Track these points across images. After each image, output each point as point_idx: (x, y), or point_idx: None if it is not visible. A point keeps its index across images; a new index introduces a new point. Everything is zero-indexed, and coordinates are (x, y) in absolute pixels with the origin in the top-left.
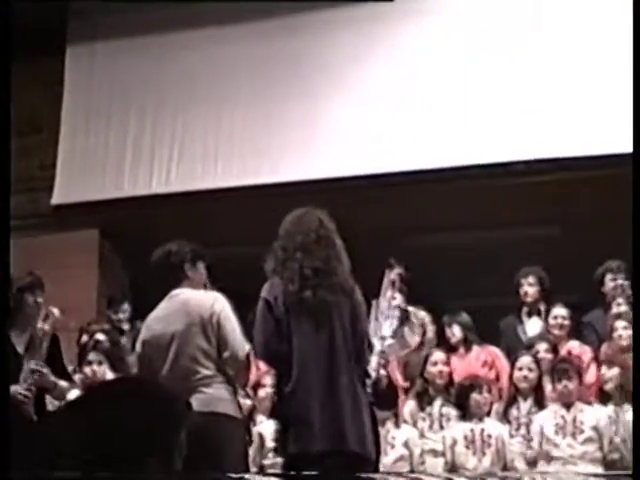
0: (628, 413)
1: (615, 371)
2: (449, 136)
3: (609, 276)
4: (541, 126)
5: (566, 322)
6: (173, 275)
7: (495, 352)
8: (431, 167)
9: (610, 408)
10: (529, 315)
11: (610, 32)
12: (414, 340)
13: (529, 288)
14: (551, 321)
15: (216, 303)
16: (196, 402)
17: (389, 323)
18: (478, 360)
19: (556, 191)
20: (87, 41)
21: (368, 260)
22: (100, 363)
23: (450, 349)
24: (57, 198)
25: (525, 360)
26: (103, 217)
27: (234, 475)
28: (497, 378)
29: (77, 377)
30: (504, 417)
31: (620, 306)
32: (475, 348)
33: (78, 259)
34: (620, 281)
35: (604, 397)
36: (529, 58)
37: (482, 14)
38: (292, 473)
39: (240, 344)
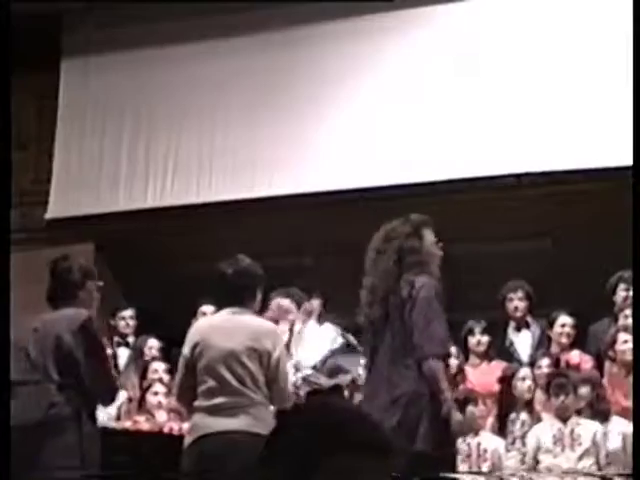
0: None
1: (584, 390)
2: (441, 149)
3: (622, 286)
4: (530, 140)
5: (572, 331)
6: (244, 294)
7: (508, 368)
8: (425, 180)
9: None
10: (518, 330)
11: (606, 43)
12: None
13: (519, 303)
14: (557, 329)
15: (278, 339)
16: (242, 421)
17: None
18: (493, 374)
19: (548, 204)
20: (82, 56)
21: (361, 272)
22: None
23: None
24: (51, 212)
25: (526, 371)
26: (98, 231)
27: None
28: (500, 392)
29: None
30: (500, 431)
31: (627, 318)
32: (494, 362)
33: None
34: (632, 292)
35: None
36: (521, 72)
37: (478, 27)
38: None
39: (288, 382)
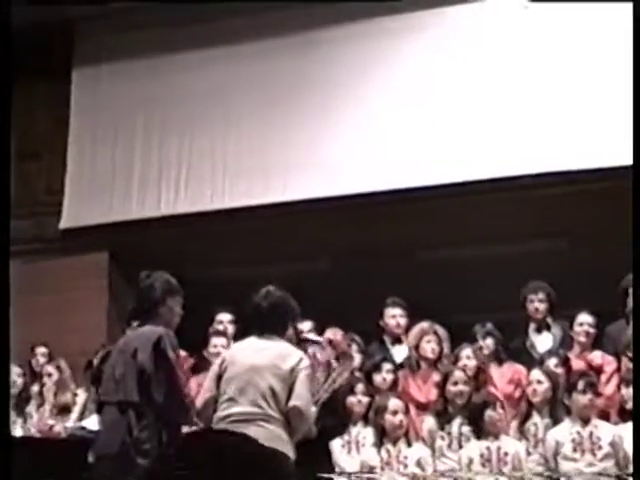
0: None
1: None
2: (456, 151)
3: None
4: (547, 139)
5: (592, 330)
6: (276, 326)
7: (521, 370)
8: (439, 183)
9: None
10: (538, 331)
11: (610, 45)
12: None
13: (539, 304)
14: (577, 328)
15: (302, 361)
16: (255, 434)
17: None
18: (504, 377)
19: (563, 204)
20: (93, 63)
21: (378, 275)
22: None
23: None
24: (65, 222)
25: (534, 374)
26: (112, 240)
27: None
28: (521, 397)
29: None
30: (521, 434)
31: None
32: (506, 364)
33: (88, 282)
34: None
35: (626, 416)
36: (533, 70)
37: (487, 29)
38: None
39: (309, 401)
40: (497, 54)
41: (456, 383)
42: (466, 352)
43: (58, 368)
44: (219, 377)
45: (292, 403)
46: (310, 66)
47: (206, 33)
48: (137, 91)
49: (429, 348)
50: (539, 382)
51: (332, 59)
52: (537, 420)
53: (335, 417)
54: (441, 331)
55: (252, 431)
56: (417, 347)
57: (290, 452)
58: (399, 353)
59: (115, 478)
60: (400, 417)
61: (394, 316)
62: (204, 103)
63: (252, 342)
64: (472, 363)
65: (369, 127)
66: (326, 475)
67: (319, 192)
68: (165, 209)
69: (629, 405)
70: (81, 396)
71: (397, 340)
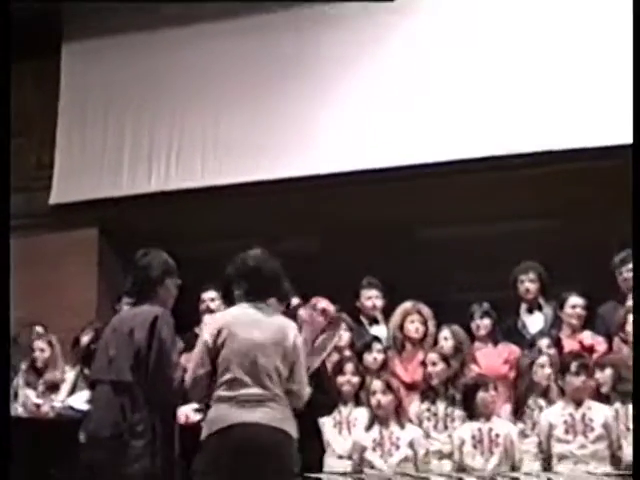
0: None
1: (608, 372)
2: (448, 130)
3: (624, 267)
4: (540, 119)
5: (583, 312)
6: (266, 290)
7: (516, 350)
8: (431, 161)
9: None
10: (530, 311)
11: (609, 23)
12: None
13: (530, 284)
14: (568, 310)
15: (298, 337)
16: (264, 415)
17: None
18: (500, 357)
19: (555, 184)
20: (83, 39)
21: (367, 255)
22: None
23: (473, 341)
24: (55, 197)
25: (545, 358)
26: (102, 216)
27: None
28: (517, 377)
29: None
30: (517, 416)
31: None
32: (500, 345)
33: (77, 258)
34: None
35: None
36: (527, 50)
37: (480, 8)
38: None
39: (305, 384)
40: (488, 34)
41: (429, 365)
42: (443, 333)
43: (50, 344)
44: (216, 351)
45: (291, 387)
46: (303, 44)
47: (201, 9)
48: (128, 68)
49: (413, 328)
50: (542, 366)
51: (325, 38)
52: (531, 402)
53: (323, 393)
54: (425, 310)
55: (262, 412)
56: (401, 327)
57: (294, 432)
58: (377, 334)
59: (109, 460)
60: (378, 397)
61: (370, 297)
62: (196, 80)
63: (247, 312)
64: (449, 344)
65: (360, 106)
66: (314, 475)
67: (309, 170)
68: (156, 185)
69: (604, 389)
70: (69, 373)
71: (374, 321)
